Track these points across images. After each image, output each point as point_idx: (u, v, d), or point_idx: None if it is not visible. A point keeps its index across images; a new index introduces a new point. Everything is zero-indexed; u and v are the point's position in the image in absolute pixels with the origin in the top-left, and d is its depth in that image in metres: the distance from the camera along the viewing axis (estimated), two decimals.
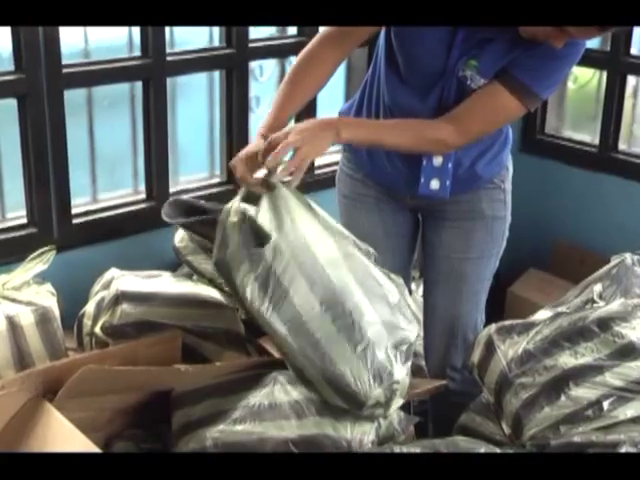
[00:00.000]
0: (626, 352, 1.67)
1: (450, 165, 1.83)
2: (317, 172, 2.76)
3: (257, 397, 1.65)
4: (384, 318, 1.61)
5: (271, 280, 1.59)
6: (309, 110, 2.65)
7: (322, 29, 1.84)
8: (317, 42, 1.80)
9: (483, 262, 1.98)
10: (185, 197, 2.02)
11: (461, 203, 1.92)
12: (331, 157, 2.79)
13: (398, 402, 1.64)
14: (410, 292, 2.19)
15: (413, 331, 1.65)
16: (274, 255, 1.59)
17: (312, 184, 2.64)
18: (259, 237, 1.60)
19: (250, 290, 1.59)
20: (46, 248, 1.99)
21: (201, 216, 1.81)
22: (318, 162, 2.76)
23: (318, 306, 1.58)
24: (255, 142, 1.70)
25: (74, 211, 2.29)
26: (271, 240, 1.59)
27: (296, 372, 1.62)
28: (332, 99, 2.75)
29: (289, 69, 1.83)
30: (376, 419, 1.64)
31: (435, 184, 1.83)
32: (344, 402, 1.59)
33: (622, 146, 2.98)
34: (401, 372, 1.61)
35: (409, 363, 1.65)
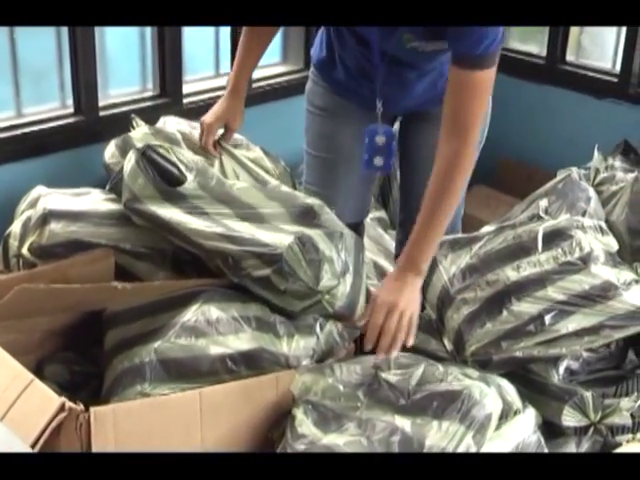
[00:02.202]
0: (569, 266, 1.67)
1: (394, 144, 1.84)
2: (254, 86, 2.67)
3: (193, 313, 1.63)
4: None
5: None
6: None
7: None
8: None
9: None
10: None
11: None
12: (268, 70, 2.70)
13: (329, 280, 1.65)
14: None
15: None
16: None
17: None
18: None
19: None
20: None
21: None
22: (255, 75, 2.66)
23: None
24: (219, 104, 1.95)
25: None
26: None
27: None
28: None
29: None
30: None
31: (379, 161, 1.84)
32: (264, 264, 1.63)
33: (570, 57, 2.95)
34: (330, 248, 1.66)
35: (343, 254, 1.69)
